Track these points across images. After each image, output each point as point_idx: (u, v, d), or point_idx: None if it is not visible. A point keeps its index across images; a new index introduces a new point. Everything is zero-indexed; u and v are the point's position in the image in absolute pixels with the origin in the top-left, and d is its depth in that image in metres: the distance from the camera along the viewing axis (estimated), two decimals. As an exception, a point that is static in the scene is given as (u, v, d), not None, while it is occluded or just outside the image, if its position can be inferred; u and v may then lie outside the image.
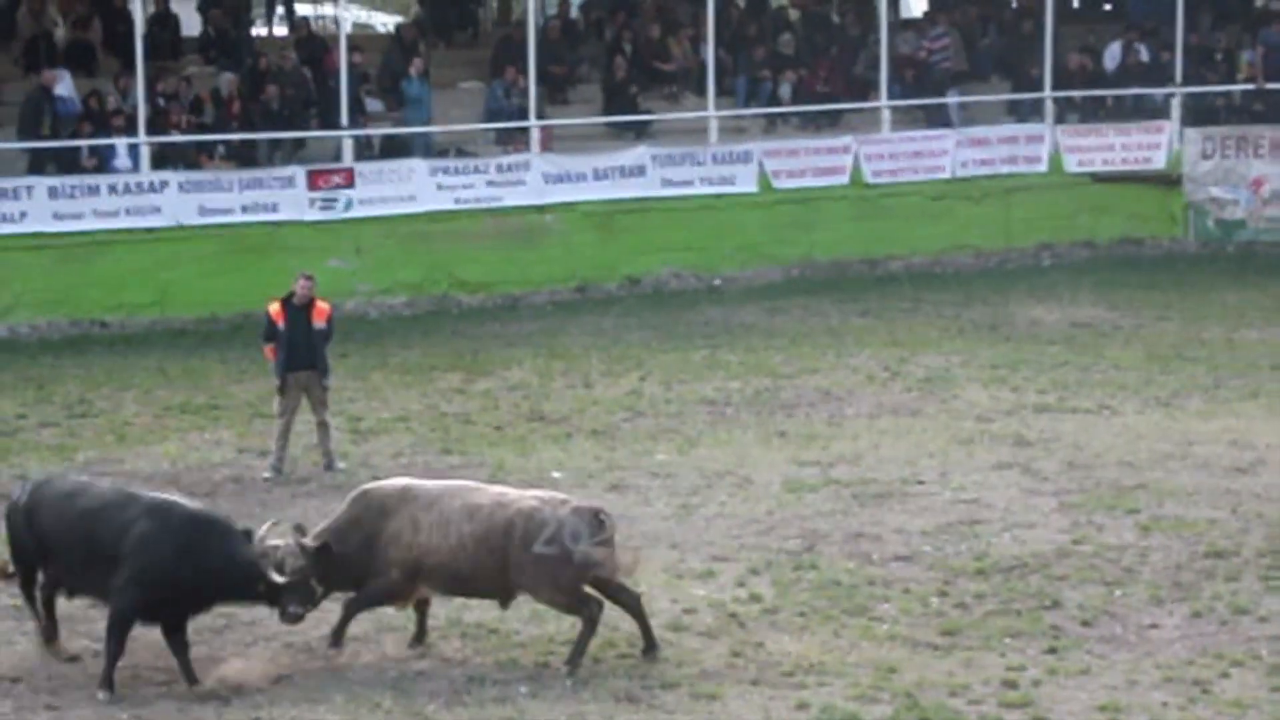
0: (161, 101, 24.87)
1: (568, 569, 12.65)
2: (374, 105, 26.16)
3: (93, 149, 24.42)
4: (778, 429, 19.04)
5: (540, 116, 26.38)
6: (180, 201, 24.41)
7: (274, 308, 17.62)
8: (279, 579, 12.45)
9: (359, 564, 12.80)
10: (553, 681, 12.59)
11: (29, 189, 23.86)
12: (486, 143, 26.59)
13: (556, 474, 17.34)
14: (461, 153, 26.19)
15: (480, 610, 13.65)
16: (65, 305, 24.02)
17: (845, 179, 27.55)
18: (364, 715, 12.04)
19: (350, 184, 25.20)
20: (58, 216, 23.92)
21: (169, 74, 25.46)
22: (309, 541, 12.74)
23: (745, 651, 13.12)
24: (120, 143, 24.45)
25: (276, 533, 12.94)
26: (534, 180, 26.10)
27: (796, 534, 15.72)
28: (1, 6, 26.60)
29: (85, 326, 23.97)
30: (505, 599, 13.07)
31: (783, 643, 13.27)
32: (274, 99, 25.44)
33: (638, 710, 12.21)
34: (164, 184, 24.37)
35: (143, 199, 24.27)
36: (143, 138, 24.42)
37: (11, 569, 13.29)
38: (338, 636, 13.04)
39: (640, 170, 26.66)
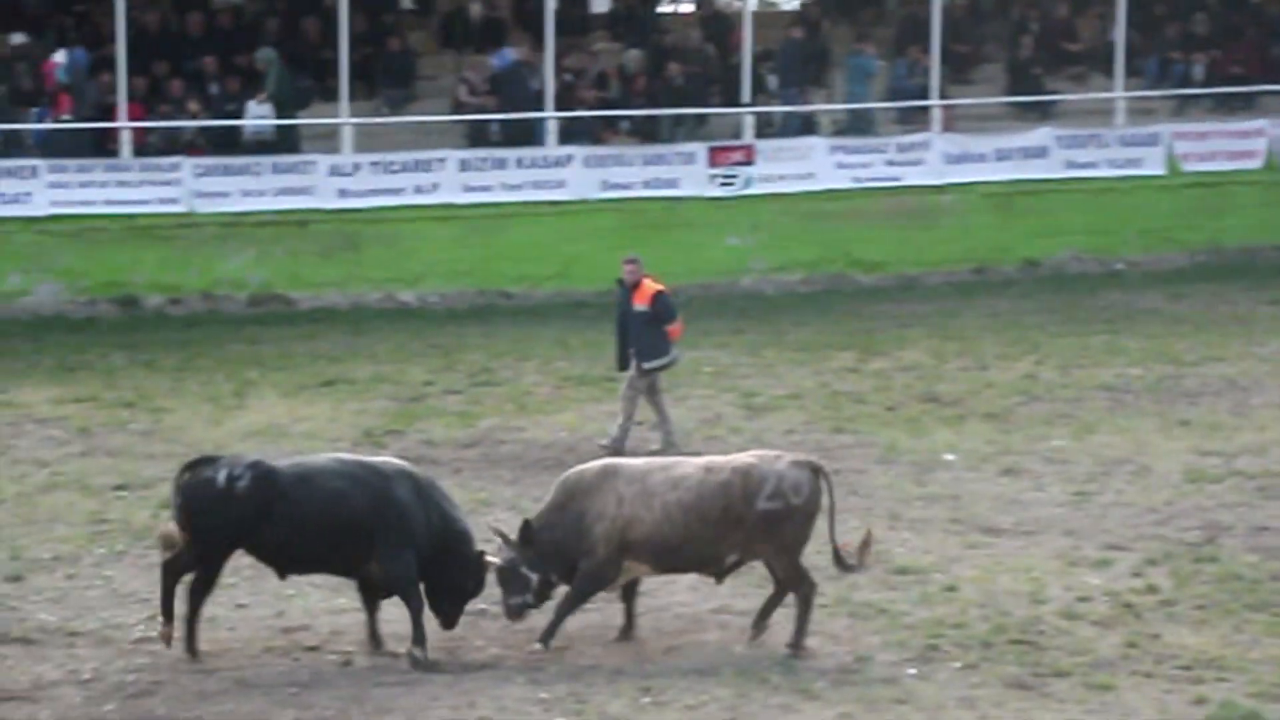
0: (569, 77, 25.40)
1: (792, 523, 12.56)
2: (774, 82, 26.29)
3: (501, 123, 25.07)
4: (1180, 417, 18.55)
5: (943, 96, 26.17)
6: (584, 176, 24.90)
7: (617, 290, 18.00)
8: (493, 559, 12.58)
9: (570, 546, 12.66)
10: (941, 664, 12.49)
11: (441, 161, 24.59)
12: (887, 121, 26.49)
13: (949, 456, 17.20)
14: (862, 131, 26.15)
15: (869, 589, 13.64)
16: (472, 276, 24.66)
17: (1259, 163, 26.74)
18: (752, 690, 12.10)
19: (750, 161, 25.37)
20: (467, 189, 24.62)
21: (577, 50, 25.99)
22: (507, 533, 12.74)
23: (1141, 643, 12.81)
24: (529, 117, 25.05)
25: None
26: (934, 160, 25.91)
27: (1197, 525, 15.30)
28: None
29: (490, 297, 24.58)
30: (719, 571, 12.87)
31: (1180, 635, 12.93)
32: (677, 76, 25.76)
33: (1028, 698, 12.02)
34: (569, 158, 24.90)
35: (548, 173, 24.80)
36: (551, 112, 24.99)
37: (174, 545, 12.51)
38: (549, 635, 12.75)
39: (1043, 151, 26.24)
